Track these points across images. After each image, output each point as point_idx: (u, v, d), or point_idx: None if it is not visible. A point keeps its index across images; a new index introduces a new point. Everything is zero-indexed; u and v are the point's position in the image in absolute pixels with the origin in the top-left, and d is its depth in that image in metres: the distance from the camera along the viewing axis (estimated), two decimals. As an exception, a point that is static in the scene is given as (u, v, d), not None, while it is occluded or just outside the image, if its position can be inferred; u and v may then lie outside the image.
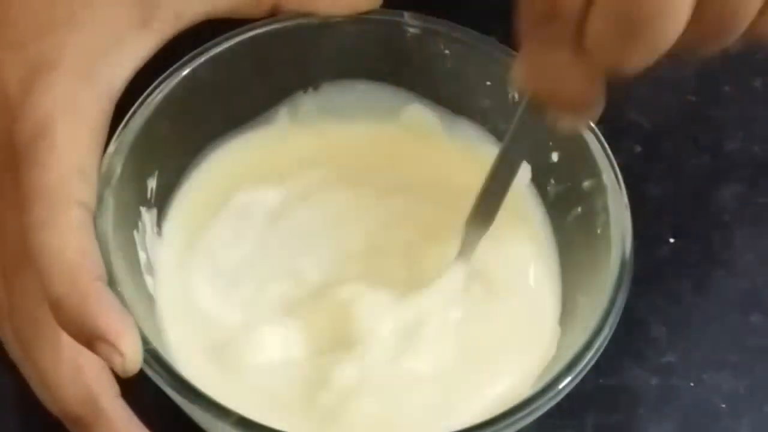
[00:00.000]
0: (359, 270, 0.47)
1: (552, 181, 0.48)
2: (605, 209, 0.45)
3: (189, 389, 0.40)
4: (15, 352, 0.46)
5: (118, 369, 0.40)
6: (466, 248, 0.46)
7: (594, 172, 0.46)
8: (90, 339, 0.40)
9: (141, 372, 0.41)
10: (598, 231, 0.45)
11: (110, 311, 0.40)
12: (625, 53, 0.35)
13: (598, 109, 0.39)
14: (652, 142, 0.56)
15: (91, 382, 0.44)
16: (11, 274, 0.45)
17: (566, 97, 0.38)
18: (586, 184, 0.46)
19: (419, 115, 0.50)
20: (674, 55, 0.36)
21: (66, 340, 0.41)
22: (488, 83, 0.48)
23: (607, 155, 0.46)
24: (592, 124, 0.46)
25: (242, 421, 0.39)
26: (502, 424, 0.40)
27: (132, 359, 0.40)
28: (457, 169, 0.49)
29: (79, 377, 0.44)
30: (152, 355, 0.41)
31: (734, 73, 0.58)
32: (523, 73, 0.39)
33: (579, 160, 0.46)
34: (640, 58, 0.36)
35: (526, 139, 0.43)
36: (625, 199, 0.45)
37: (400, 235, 0.48)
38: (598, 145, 0.46)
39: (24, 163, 0.42)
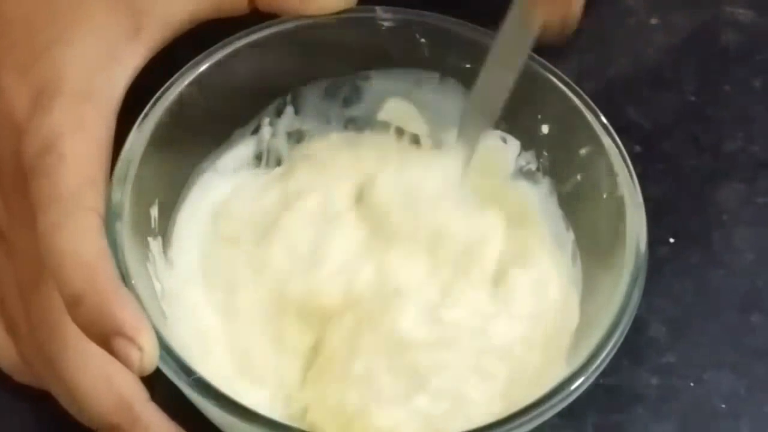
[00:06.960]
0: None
1: (545, 153, 0.49)
2: (611, 171, 0.45)
3: (242, 410, 0.40)
4: (35, 372, 0.46)
5: (136, 365, 0.39)
6: (465, 136, 0.47)
7: (591, 137, 0.46)
8: (108, 335, 0.40)
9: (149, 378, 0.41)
10: (604, 195, 0.45)
11: (128, 307, 0.40)
12: None
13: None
14: (652, 142, 0.56)
15: (123, 388, 0.44)
16: (29, 291, 0.45)
17: None
18: (584, 151, 0.46)
19: (399, 108, 0.50)
20: None
21: (93, 349, 0.40)
22: (467, 66, 0.48)
23: (600, 121, 0.46)
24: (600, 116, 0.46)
25: None
26: (514, 423, 0.40)
27: (150, 355, 0.40)
28: None
29: (111, 385, 0.44)
30: (197, 381, 0.40)
31: (734, 73, 0.58)
32: None
33: (573, 127, 0.47)
34: None
35: (519, 35, 0.44)
36: (628, 161, 0.45)
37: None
38: (590, 113, 0.46)
39: (33, 175, 0.43)
